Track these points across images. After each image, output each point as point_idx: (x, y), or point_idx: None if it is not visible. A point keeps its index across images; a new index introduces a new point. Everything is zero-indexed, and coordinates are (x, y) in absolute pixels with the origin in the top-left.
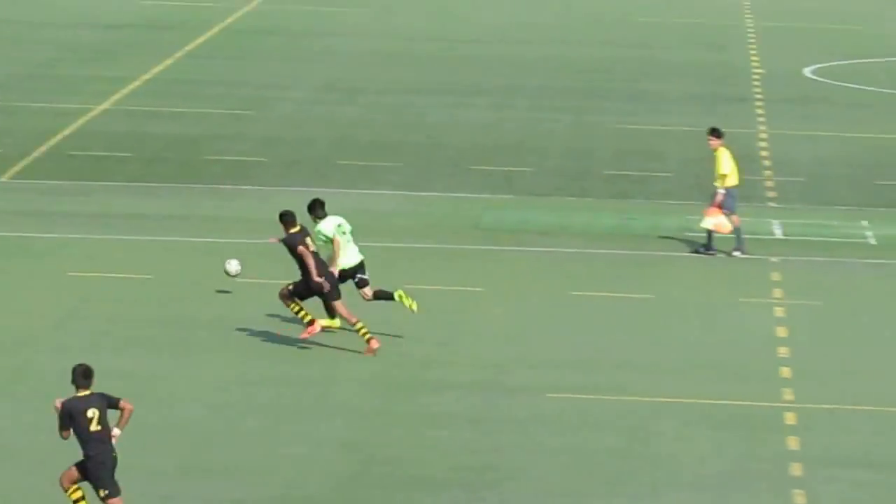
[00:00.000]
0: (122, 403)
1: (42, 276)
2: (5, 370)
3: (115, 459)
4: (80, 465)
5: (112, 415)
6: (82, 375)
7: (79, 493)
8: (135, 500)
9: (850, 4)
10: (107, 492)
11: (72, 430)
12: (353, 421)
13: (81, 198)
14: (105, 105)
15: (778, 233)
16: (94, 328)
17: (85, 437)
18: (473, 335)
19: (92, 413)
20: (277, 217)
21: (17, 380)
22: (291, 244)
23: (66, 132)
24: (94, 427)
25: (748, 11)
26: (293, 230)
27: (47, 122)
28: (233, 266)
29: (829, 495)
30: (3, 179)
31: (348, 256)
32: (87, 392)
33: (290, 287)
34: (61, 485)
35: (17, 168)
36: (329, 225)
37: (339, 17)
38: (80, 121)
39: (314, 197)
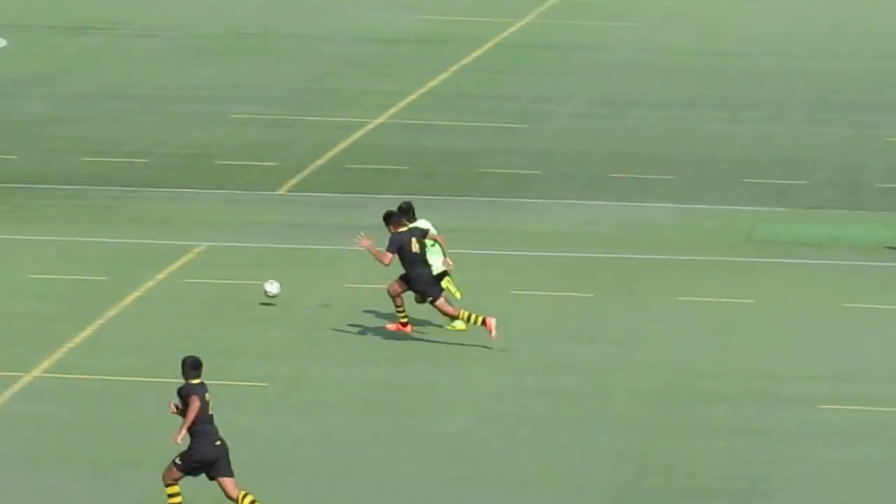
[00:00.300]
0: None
1: (318, 288)
2: (283, 380)
3: (222, 446)
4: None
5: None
6: (192, 367)
7: (177, 494)
8: None
9: None
10: (179, 461)
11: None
12: (628, 431)
13: (357, 210)
14: (381, 119)
15: None
16: (369, 338)
17: (204, 421)
18: (746, 347)
19: (209, 397)
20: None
21: (294, 389)
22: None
23: (343, 145)
24: (210, 411)
25: None
26: (402, 230)
27: (324, 136)
28: (273, 287)
29: None
30: (280, 192)
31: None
32: (198, 381)
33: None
34: (164, 481)
35: (293, 181)
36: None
37: (611, 31)
38: (357, 134)
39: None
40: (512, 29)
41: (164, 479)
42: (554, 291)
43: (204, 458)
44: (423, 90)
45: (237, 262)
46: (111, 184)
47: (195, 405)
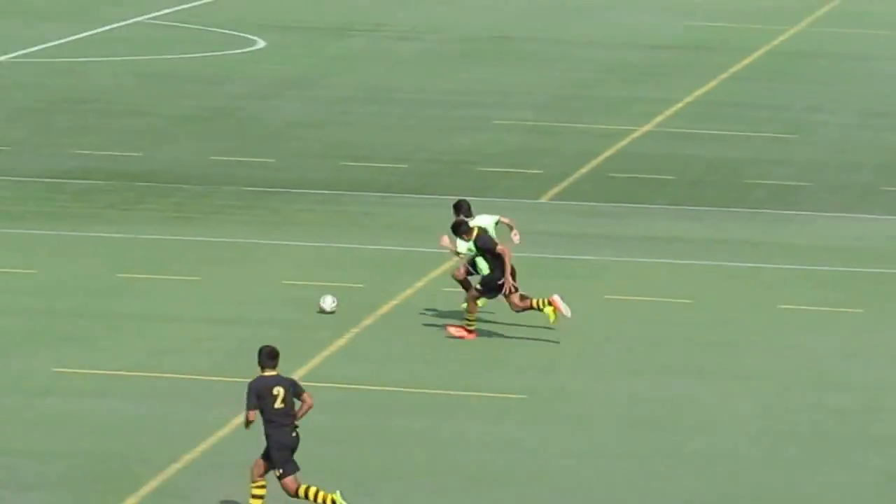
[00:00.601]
0: (305, 396)
1: (579, 299)
2: (543, 392)
3: (296, 440)
4: (265, 452)
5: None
6: (268, 356)
7: (262, 490)
8: None
9: None
10: (280, 472)
11: (258, 413)
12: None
13: (620, 220)
14: (647, 127)
15: None
16: (631, 351)
17: (268, 416)
18: None
19: (277, 391)
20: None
21: (553, 402)
22: (488, 246)
23: (607, 154)
24: (278, 404)
25: None
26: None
27: (588, 144)
28: (328, 302)
29: None
30: (542, 200)
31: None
32: (274, 373)
33: (478, 294)
34: (251, 476)
35: (556, 189)
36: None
37: (883, 40)
38: (622, 142)
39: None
40: (783, 37)
41: (251, 477)
42: (821, 306)
43: (285, 445)
44: (690, 98)
45: None
46: (370, 189)
47: (244, 418)
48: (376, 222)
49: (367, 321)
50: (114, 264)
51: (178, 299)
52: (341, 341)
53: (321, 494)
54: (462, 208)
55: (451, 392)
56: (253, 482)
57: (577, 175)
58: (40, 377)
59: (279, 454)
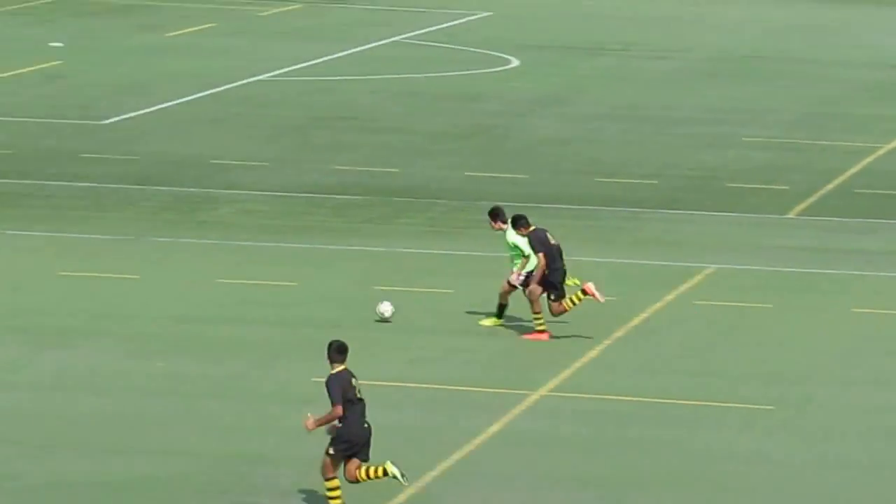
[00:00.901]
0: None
1: (826, 312)
2: (790, 403)
3: (368, 432)
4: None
5: None
6: (337, 351)
7: (337, 488)
8: None
9: None
10: (332, 452)
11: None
12: None
13: (866, 235)
14: (893, 144)
15: None
16: (878, 364)
17: (353, 410)
18: None
19: (355, 382)
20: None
21: (801, 413)
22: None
23: (854, 170)
24: (359, 395)
25: None
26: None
27: (835, 161)
28: (386, 308)
29: None
30: (789, 216)
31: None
32: (343, 367)
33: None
34: (323, 475)
35: (803, 205)
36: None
37: None
38: (868, 159)
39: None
40: None
41: (323, 474)
42: None
43: (351, 440)
44: None
45: (745, 285)
46: (621, 205)
47: (336, 413)
48: (627, 237)
49: (619, 333)
50: (370, 277)
51: (433, 311)
52: (593, 353)
53: (372, 469)
54: (501, 214)
55: (701, 402)
56: (359, 479)
57: (823, 191)
58: (300, 386)
59: (346, 445)
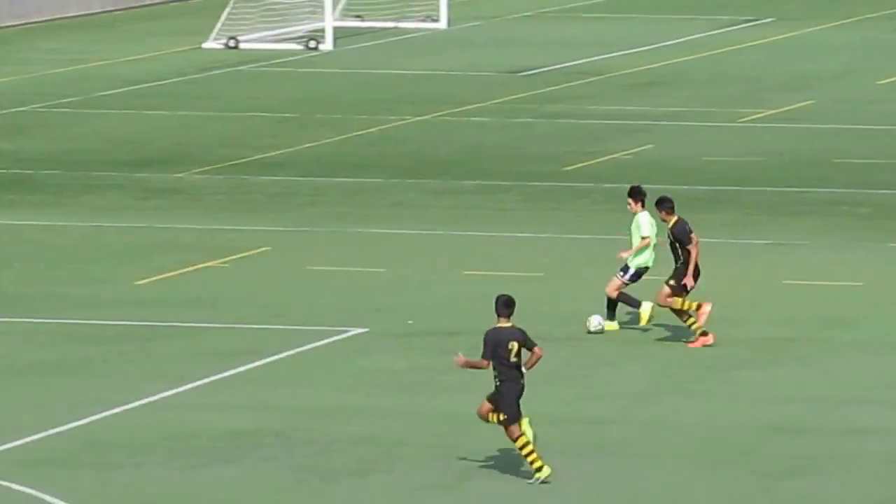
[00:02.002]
0: (536, 349)
1: None
2: None
3: (521, 389)
4: (491, 395)
5: None
6: (504, 305)
7: (524, 439)
8: None
9: None
10: (505, 417)
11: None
12: None
13: None
14: None
15: None
16: None
17: (502, 367)
18: None
19: (512, 345)
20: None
21: None
22: (682, 235)
23: None
24: (512, 358)
25: None
26: (675, 219)
27: None
28: (594, 322)
29: None
30: None
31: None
32: (509, 324)
33: (672, 291)
34: (480, 415)
35: None
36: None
37: None
38: None
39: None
40: None
41: (511, 437)
42: None
43: (515, 396)
44: None
45: None
46: None
47: (480, 364)
48: None
49: None
50: None
51: None
52: None
53: (534, 456)
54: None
55: None
56: (487, 420)
57: None
58: None
59: (507, 404)
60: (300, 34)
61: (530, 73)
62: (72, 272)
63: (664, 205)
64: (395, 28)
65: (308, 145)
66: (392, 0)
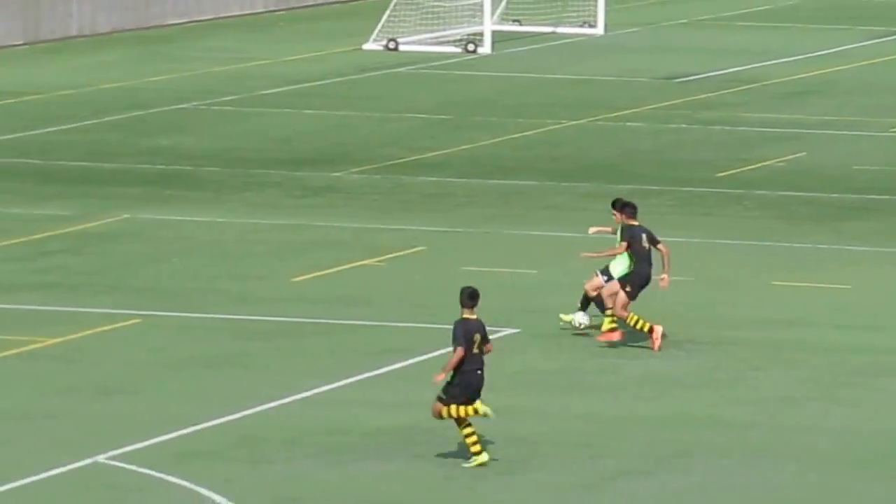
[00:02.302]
0: (488, 346)
1: None
2: None
3: (480, 379)
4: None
5: None
6: (469, 297)
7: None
8: None
9: None
10: (444, 396)
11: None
12: None
13: None
14: None
15: None
16: None
17: (469, 358)
18: None
19: (476, 337)
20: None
21: None
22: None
23: None
24: (475, 349)
25: None
26: (634, 223)
27: None
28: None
29: None
30: None
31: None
32: (474, 315)
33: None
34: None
35: None
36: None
37: None
38: None
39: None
40: None
41: (434, 413)
42: None
43: (474, 388)
44: None
45: None
46: None
47: (458, 354)
48: None
49: None
50: None
51: None
52: None
53: (475, 441)
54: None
55: None
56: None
57: None
58: None
59: (462, 393)
60: (459, 37)
61: (685, 79)
62: (229, 268)
63: (628, 209)
64: (553, 33)
65: (464, 147)
66: (550, 5)
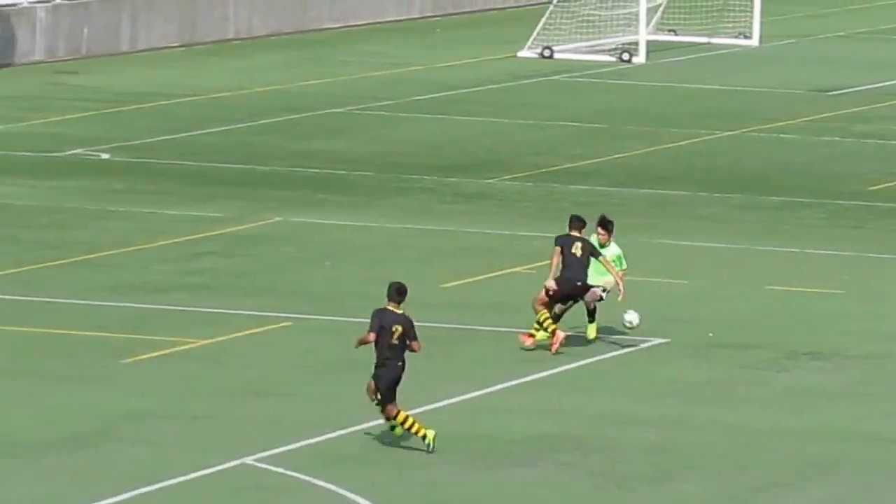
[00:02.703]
0: (415, 344)
1: None
2: None
3: (398, 373)
4: (374, 374)
5: None
6: (396, 292)
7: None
8: None
9: None
10: (379, 398)
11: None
12: None
13: None
14: None
15: None
16: None
17: (383, 347)
18: None
19: (396, 328)
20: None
21: None
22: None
23: None
24: (393, 340)
25: None
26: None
27: None
28: (631, 317)
29: None
30: None
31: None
32: (399, 310)
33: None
34: (368, 393)
35: None
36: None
37: None
38: None
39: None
40: None
41: (387, 416)
42: None
43: (392, 380)
44: None
45: None
46: None
47: (367, 339)
48: None
49: None
50: None
51: None
52: None
53: (416, 426)
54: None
55: None
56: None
57: None
58: None
59: (385, 387)
60: (614, 46)
61: (839, 92)
62: (379, 273)
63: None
64: (708, 43)
65: (617, 156)
66: (706, 16)
